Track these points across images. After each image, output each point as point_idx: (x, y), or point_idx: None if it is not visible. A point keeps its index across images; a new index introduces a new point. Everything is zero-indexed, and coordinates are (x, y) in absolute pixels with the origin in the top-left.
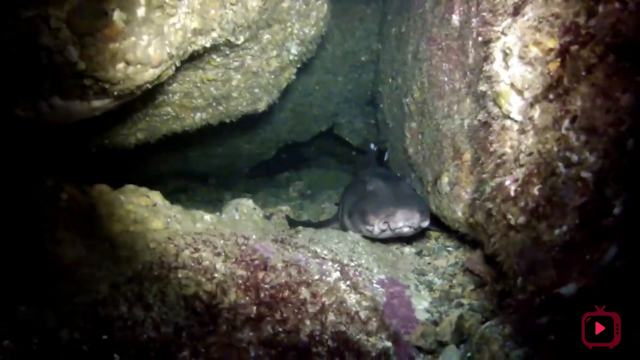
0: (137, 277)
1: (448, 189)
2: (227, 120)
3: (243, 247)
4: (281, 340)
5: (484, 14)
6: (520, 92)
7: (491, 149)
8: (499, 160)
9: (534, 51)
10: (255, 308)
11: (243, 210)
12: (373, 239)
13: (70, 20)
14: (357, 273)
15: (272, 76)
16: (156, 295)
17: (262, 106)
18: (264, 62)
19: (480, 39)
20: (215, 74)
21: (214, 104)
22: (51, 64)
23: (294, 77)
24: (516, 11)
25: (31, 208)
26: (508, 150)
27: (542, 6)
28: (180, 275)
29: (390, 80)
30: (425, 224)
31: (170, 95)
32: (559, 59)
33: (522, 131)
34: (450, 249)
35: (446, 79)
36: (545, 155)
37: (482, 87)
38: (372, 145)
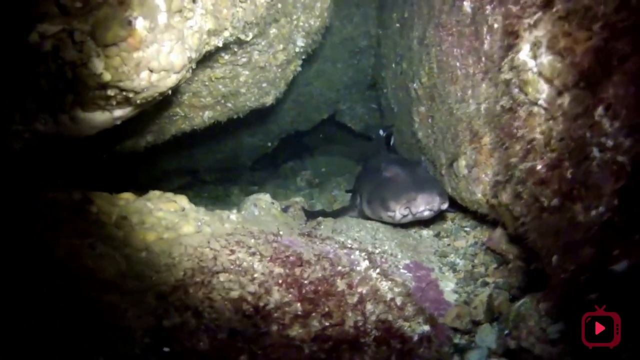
0: (181, 285)
1: (466, 172)
2: (236, 117)
3: (275, 245)
4: (330, 334)
5: (511, 6)
6: (549, 81)
7: (518, 134)
8: (528, 146)
9: (564, 42)
10: (299, 305)
11: (262, 206)
12: (392, 225)
13: (95, 32)
14: (383, 260)
15: (279, 70)
16: (203, 301)
17: (270, 100)
18: (271, 56)
19: (496, 25)
20: (223, 71)
21: (223, 101)
22: (75, 78)
23: (299, 68)
24: (547, 3)
25: (62, 224)
26: (538, 135)
27: None
28: (222, 279)
29: (393, 65)
30: (445, 206)
31: (179, 96)
32: (590, 50)
33: (551, 117)
34: (467, 229)
35: (458, 64)
36: (578, 141)
37: (507, 75)
38: (380, 132)
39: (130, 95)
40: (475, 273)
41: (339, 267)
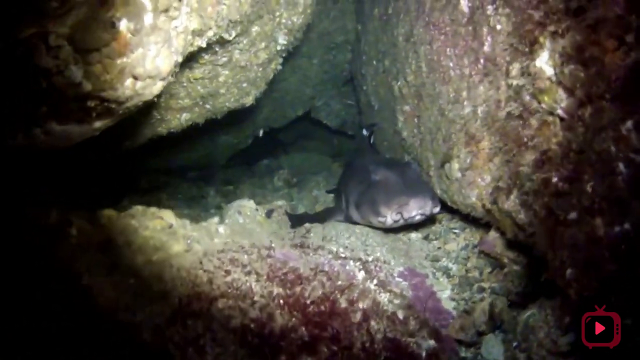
0: (177, 315)
1: (459, 175)
2: (214, 118)
3: (269, 260)
4: None
5: (531, 11)
6: (570, 91)
7: (529, 143)
8: (542, 156)
9: (591, 51)
10: (305, 329)
11: (246, 213)
12: (381, 229)
13: (74, 36)
14: (378, 268)
15: (260, 69)
16: (204, 334)
17: (249, 100)
18: (252, 55)
19: (499, 27)
20: (202, 71)
21: (201, 102)
22: (50, 88)
23: (280, 67)
24: (576, 12)
25: (40, 250)
26: (554, 146)
27: (602, 7)
28: (220, 306)
29: (374, 62)
30: (437, 210)
31: (156, 99)
32: (620, 61)
33: (569, 128)
34: (456, 230)
35: (451, 64)
36: (602, 155)
37: (517, 81)
38: (363, 131)
39: (113, 105)
40: (470, 278)
41: (338, 282)
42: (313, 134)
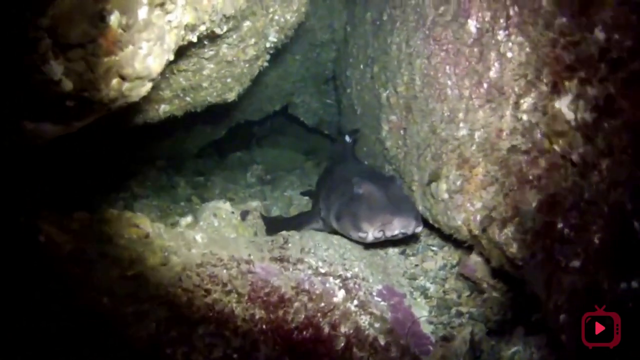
0: (156, 342)
1: (446, 196)
2: (193, 111)
3: (250, 277)
4: None
5: (562, 52)
6: (589, 138)
7: (535, 182)
8: (549, 199)
9: (622, 103)
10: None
11: (222, 216)
12: (360, 243)
13: (56, 29)
14: (357, 286)
15: (247, 65)
16: None
17: (232, 96)
18: (240, 50)
19: (510, 55)
20: (186, 63)
21: (182, 95)
22: (24, 84)
23: (266, 64)
24: (614, 65)
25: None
26: (562, 192)
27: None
28: (201, 332)
29: (362, 66)
30: (419, 229)
31: None
32: None
33: (583, 176)
34: (434, 248)
35: (450, 82)
36: (616, 209)
37: (530, 117)
38: (346, 137)
39: (95, 107)
40: (448, 300)
41: (321, 303)
42: (287, 129)
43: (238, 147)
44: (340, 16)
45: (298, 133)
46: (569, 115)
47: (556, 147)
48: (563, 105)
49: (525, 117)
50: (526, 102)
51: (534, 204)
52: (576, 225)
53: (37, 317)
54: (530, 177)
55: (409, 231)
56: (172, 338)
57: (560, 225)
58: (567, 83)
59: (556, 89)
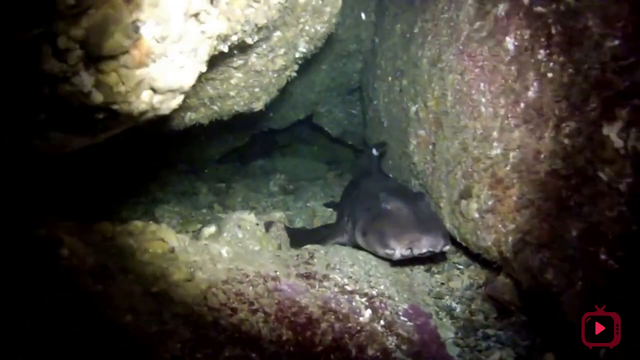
0: None
1: (476, 215)
2: (219, 119)
3: (276, 295)
4: None
5: (614, 78)
6: (639, 169)
7: (576, 210)
8: (593, 229)
9: None
10: None
11: (246, 227)
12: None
13: (88, 40)
14: (383, 305)
15: (275, 75)
16: None
17: (259, 106)
18: (269, 60)
19: (551, 75)
20: (215, 72)
21: (208, 103)
22: (54, 96)
23: (294, 74)
24: None
25: (27, 274)
26: (607, 222)
27: None
28: (227, 354)
29: (390, 78)
30: (447, 247)
31: None
32: None
33: (631, 207)
34: (460, 266)
35: (484, 99)
36: None
37: (573, 142)
38: (373, 150)
39: (123, 119)
40: (474, 322)
41: (348, 324)
42: (309, 138)
43: (260, 154)
44: (367, 27)
45: (320, 142)
46: (618, 143)
47: (602, 175)
48: (612, 132)
49: (567, 141)
50: (569, 126)
51: (574, 232)
52: (623, 258)
53: (54, 334)
54: (572, 204)
55: (437, 249)
56: None
57: (603, 257)
58: (618, 109)
59: (606, 115)
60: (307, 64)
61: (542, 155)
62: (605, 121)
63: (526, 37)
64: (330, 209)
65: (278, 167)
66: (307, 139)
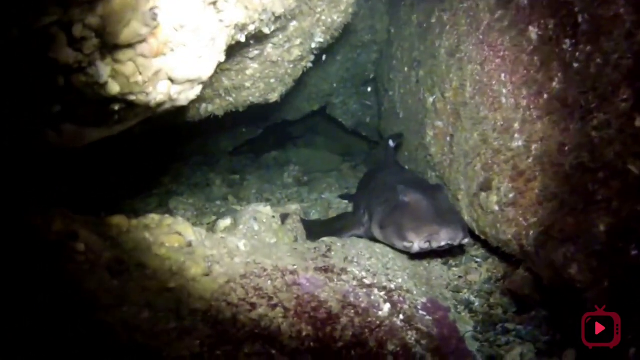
0: None
1: (497, 208)
2: (234, 110)
3: (295, 289)
4: None
5: None
6: None
7: (603, 205)
8: (622, 224)
9: None
10: None
11: (262, 220)
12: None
13: (105, 28)
14: (402, 299)
15: (291, 65)
16: None
17: (275, 97)
18: (285, 51)
19: (577, 65)
20: (230, 62)
21: (223, 94)
22: (68, 86)
23: (310, 64)
24: None
25: (42, 267)
26: (638, 217)
27: None
28: (248, 351)
29: (406, 69)
30: (466, 241)
31: None
32: None
33: None
34: (478, 259)
35: (505, 90)
36: None
37: (602, 134)
38: (390, 142)
39: (139, 110)
40: (493, 316)
41: (368, 319)
42: (323, 130)
43: (273, 146)
44: (382, 17)
45: (334, 133)
46: None
47: (633, 169)
48: None
49: (594, 133)
50: (597, 118)
51: (602, 227)
52: None
53: (66, 331)
54: (600, 198)
55: (456, 242)
56: (217, 358)
57: (634, 253)
58: None
59: (638, 107)
60: (322, 55)
61: (567, 148)
62: (638, 113)
63: (550, 26)
64: (346, 201)
65: (292, 159)
66: (319, 130)
